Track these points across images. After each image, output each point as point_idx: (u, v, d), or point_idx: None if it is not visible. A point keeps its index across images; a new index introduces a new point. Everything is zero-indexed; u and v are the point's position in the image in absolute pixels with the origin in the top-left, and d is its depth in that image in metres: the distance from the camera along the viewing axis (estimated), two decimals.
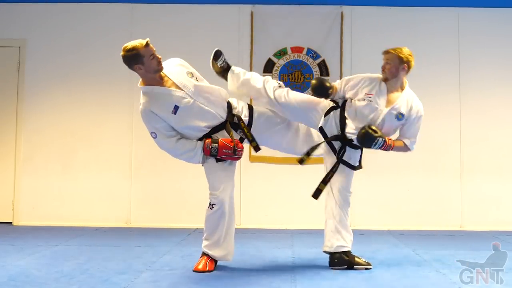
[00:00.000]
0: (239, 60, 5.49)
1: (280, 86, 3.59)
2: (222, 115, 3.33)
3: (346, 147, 3.47)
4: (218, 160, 3.33)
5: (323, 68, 5.46)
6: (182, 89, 3.19)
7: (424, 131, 5.38)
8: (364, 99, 3.41)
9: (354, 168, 3.52)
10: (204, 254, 3.43)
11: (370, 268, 3.44)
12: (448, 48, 5.51)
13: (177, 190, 5.37)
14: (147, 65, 3.07)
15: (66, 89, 5.56)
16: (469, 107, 5.46)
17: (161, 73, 3.17)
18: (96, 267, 3.46)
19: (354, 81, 3.52)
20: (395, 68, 3.39)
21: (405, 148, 3.54)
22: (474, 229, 5.27)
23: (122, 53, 3.08)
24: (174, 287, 3.03)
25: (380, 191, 5.39)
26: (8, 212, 5.49)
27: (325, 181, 3.47)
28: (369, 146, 3.39)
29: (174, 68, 3.27)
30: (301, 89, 5.09)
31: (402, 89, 3.47)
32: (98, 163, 5.48)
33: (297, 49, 5.52)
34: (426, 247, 4.32)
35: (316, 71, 5.41)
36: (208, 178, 3.38)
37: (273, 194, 5.42)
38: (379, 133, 3.34)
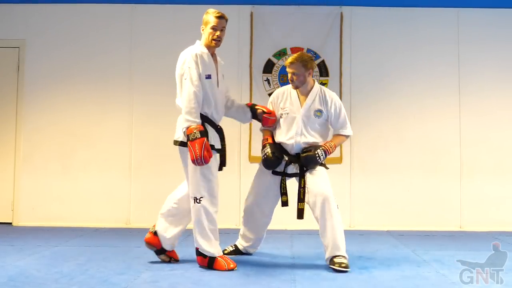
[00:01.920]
0: (239, 60, 5.49)
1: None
2: (218, 119, 3.56)
3: (300, 160, 3.58)
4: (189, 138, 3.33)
5: (323, 69, 5.46)
6: (218, 76, 3.51)
7: (424, 132, 5.47)
8: (282, 115, 3.67)
9: (321, 165, 3.60)
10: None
11: (347, 271, 3.38)
12: (448, 48, 5.50)
13: None
14: (205, 31, 3.48)
15: (65, 89, 5.55)
16: (469, 108, 5.46)
17: (215, 52, 3.54)
18: (95, 268, 3.46)
19: (272, 103, 3.80)
20: (303, 76, 3.62)
21: (345, 138, 3.74)
22: (474, 230, 5.28)
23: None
24: (174, 287, 3.03)
25: (380, 191, 5.39)
26: (8, 212, 5.49)
27: (301, 199, 3.63)
28: (316, 164, 3.55)
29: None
30: None
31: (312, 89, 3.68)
32: (97, 163, 5.47)
33: (297, 50, 5.48)
34: (425, 247, 4.32)
35: (316, 72, 5.40)
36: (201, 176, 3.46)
37: None
38: (313, 150, 3.52)
